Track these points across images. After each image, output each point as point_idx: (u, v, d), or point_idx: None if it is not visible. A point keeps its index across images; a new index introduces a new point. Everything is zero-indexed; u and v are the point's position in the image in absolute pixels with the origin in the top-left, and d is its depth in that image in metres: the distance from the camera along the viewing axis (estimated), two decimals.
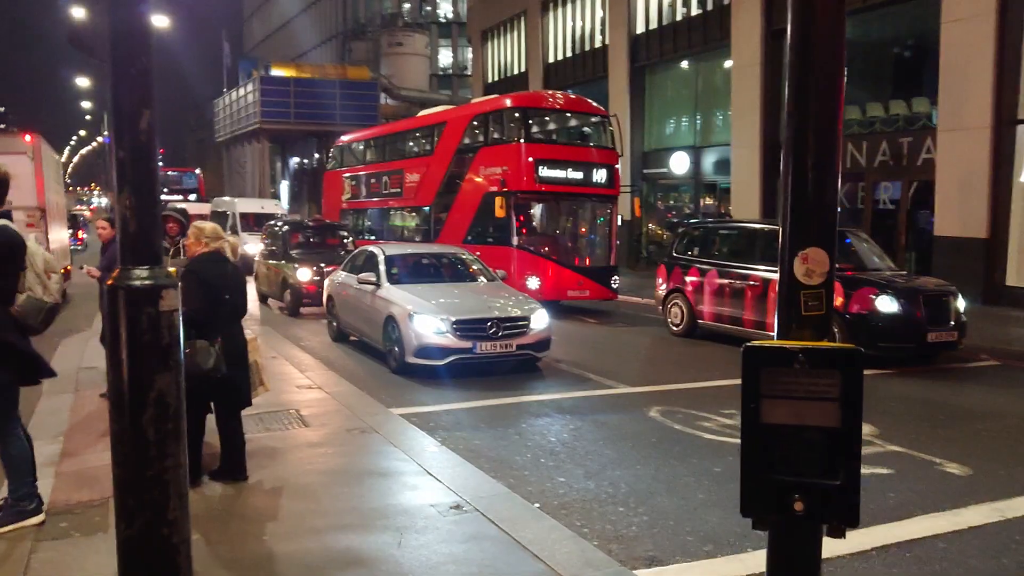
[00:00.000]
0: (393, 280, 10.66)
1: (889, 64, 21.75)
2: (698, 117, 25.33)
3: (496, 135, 16.88)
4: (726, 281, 12.08)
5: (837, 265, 8.86)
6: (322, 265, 15.18)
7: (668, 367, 10.63)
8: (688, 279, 12.81)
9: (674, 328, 13.06)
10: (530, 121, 16.42)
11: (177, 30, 49.14)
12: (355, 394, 8.11)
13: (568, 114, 17.68)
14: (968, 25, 15.71)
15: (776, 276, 9.10)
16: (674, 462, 6.23)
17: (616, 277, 16.56)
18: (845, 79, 2.40)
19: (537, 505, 5.16)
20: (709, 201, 25.18)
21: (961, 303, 10.57)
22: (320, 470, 5.66)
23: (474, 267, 11.62)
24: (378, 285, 10.60)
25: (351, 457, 5.99)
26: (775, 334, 2.49)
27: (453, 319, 9.33)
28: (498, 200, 15.65)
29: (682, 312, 12.93)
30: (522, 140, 15.91)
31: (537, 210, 16.60)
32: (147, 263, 3.05)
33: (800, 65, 2.42)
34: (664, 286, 13.45)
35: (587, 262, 16.73)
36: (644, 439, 6.84)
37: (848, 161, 19.07)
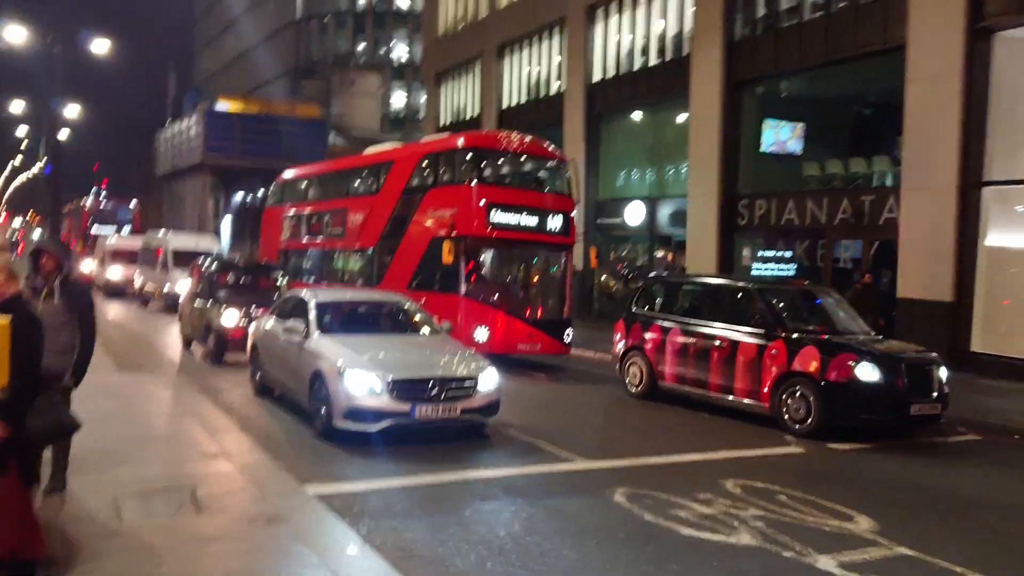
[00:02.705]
0: (324, 330, 9.45)
1: (851, 121, 21.59)
2: (655, 167, 24.79)
3: (446, 176, 15.87)
4: (690, 340, 11.05)
5: (810, 327, 7.76)
6: (252, 308, 13.85)
7: (630, 435, 9.59)
8: (648, 336, 11.74)
9: (632, 389, 11.93)
10: (483, 162, 15.47)
11: (124, 56, 47.64)
12: (268, 467, 6.85)
13: (523, 157, 16.78)
14: (934, 84, 15.37)
15: (747, 338, 8.43)
16: (649, 569, 5.13)
17: (570, 330, 15.56)
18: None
19: None
20: (660, 254, 24.55)
21: (944, 372, 9.79)
22: None
23: (417, 317, 10.48)
24: (306, 335, 9.37)
25: (247, 560, 4.76)
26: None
27: (390, 377, 8.16)
28: (446, 245, 14.58)
29: (641, 372, 11.80)
30: (474, 182, 14.92)
31: (488, 257, 15.54)
32: None
33: None
34: (622, 343, 12.32)
35: (539, 314, 15.70)
36: (610, 534, 5.74)
37: (808, 217, 18.55)
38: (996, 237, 15.09)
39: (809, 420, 9.29)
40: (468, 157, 15.38)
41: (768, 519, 6.10)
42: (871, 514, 6.31)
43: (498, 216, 14.78)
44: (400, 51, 62.46)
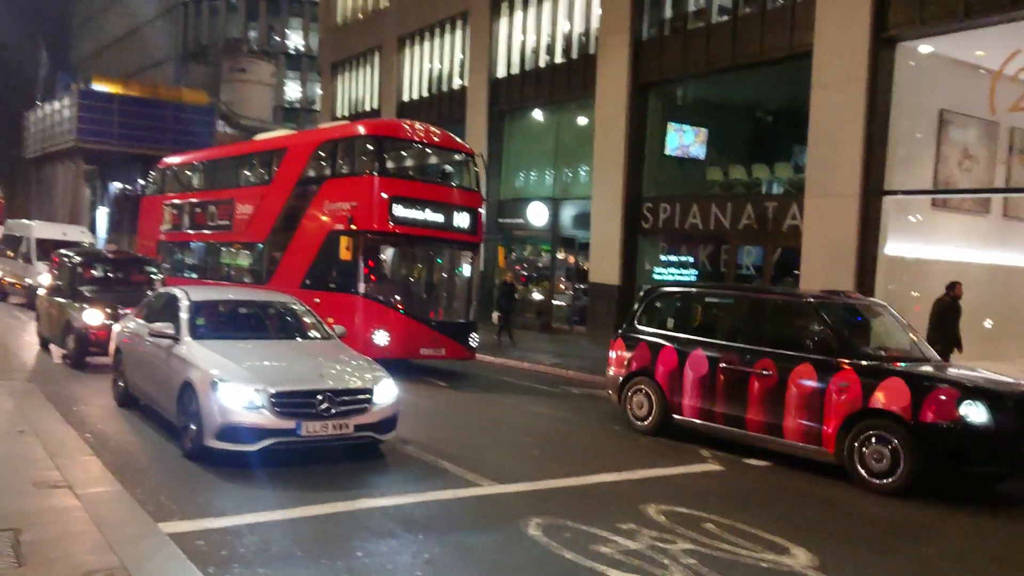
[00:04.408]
0: (197, 334, 8.30)
1: (754, 127, 21.69)
2: (559, 168, 24.31)
3: (346, 166, 14.73)
4: (720, 366, 8.95)
5: (882, 351, 6.22)
6: (118, 306, 12.41)
7: (539, 453, 8.83)
8: (660, 360, 9.62)
9: (637, 423, 9.86)
10: (385, 153, 14.41)
11: None
12: (120, 500, 5.74)
13: (429, 149, 15.79)
14: (838, 92, 15.36)
15: (804, 365, 6.60)
16: None
17: (475, 334, 14.72)
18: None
19: None
20: (561, 256, 24.12)
21: None
22: None
23: (306, 320, 9.42)
24: (176, 339, 8.21)
25: None
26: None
27: (272, 390, 7.14)
28: (344, 240, 13.45)
29: (650, 403, 9.69)
30: (375, 173, 13.86)
31: (389, 254, 14.59)
32: None
33: None
34: (623, 367, 10.14)
35: (444, 316, 14.82)
36: None
37: (712, 222, 18.40)
38: (894, 246, 15.23)
39: (896, 472, 7.41)
40: (369, 146, 14.34)
41: (700, 554, 5.47)
42: (806, 545, 5.77)
43: (401, 211, 13.79)
44: (295, 39, 60.22)
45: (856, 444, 7.70)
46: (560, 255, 24.21)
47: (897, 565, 5.68)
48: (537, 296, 24.43)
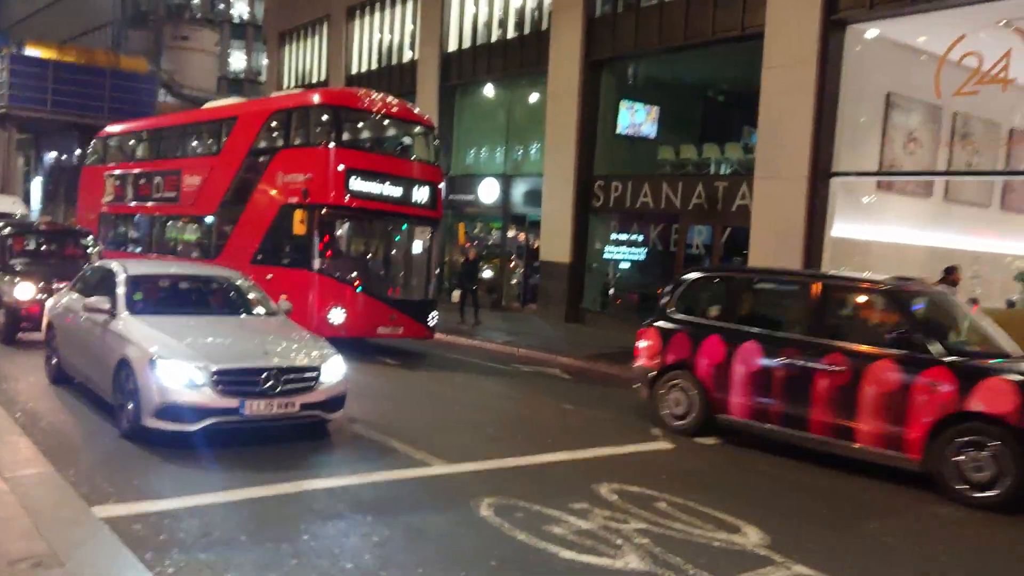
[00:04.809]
0: (135, 309, 7.96)
1: (705, 107, 21.75)
2: (510, 144, 24.09)
3: (300, 137, 14.11)
4: (776, 361, 8.01)
5: (968, 346, 5.41)
6: (52, 280, 11.91)
7: (491, 431, 8.73)
8: (702, 352, 8.67)
9: (673, 422, 8.86)
10: (342, 123, 13.86)
11: None
12: (50, 482, 5.48)
13: (388, 120, 15.27)
14: (789, 73, 15.44)
15: (884, 361, 5.51)
16: None
17: (435, 313, 14.36)
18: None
19: None
20: (512, 233, 23.99)
21: None
22: None
23: (251, 296, 9.12)
24: (113, 315, 7.86)
25: None
26: None
27: (214, 368, 6.88)
28: (298, 214, 12.92)
29: (689, 400, 8.74)
30: (332, 144, 13.32)
31: (345, 229, 14.04)
32: None
33: None
34: (654, 358, 9.18)
35: (402, 294, 14.45)
36: (479, 562, 4.85)
37: (663, 201, 18.45)
38: (841, 227, 15.45)
39: (998, 484, 6.56)
40: (325, 116, 13.78)
41: (653, 533, 5.44)
42: (758, 523, 5.78)
43: (358, 184, 13.31)
44: (240, 7, 58.53)
45: (949, 452, 6.83)
46: (511, 233, 24.07)
47: (845, 541, 5.73)
48: (488, 274, 24.27)
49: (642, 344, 9.41)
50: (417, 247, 14.92)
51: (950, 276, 12.45)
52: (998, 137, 17.55)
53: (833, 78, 15.10)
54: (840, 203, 15.48)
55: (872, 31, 15.39)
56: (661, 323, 9.29)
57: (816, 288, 8.26)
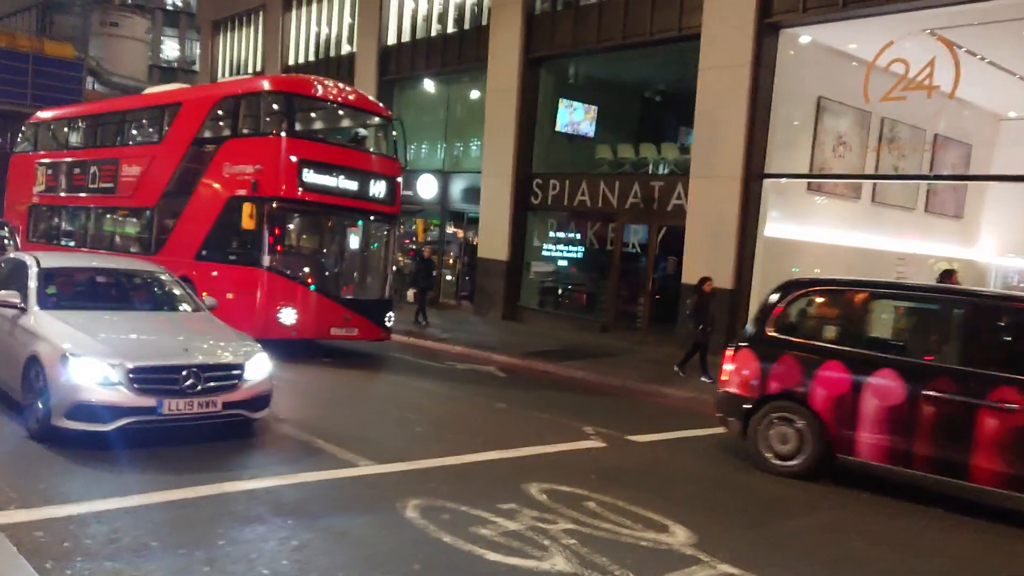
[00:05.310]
0: (47, 304, 7.59)
1: (642, 107, 21.90)
2: (449, 140, 23.92)
3: (249, 125, 13.35)
4: (928, 394, 6.74)
5: None
6: None
7: (420, 430, 8.59)
8: (819, 380, 7.33)
9: (778, 462, 7.51)
10: (295, 112, 13.17)
11: None
12: None
13: (343, 110, 14.69)
14: (725, 75, 15.65)
15: None
16: None
17: (391, 314, 13.79)
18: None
19: None
20: (450, 230, 23.85)
21: None
22: None
23: (174, 291, 8.80)
24: (23, 309, 7.49)
25: None
26: None
27: (130, 365, 6.59)
28: (247, 207, 12.26)
29: (800, 437, 7.41)
30: (283, 134, 12.63)
31: (297, 224, 13.47)
32: None
33: None
34: (751, 387, 7.76)
35: (358, 293, 13.90)
36: (402, 565, 4.72)
37: (600, 200, 18.52)
38: (773, 228, 15.73)
39: None
40: (276, 104, 13.12)
41: (580, 534, 5.38)
42: (685, 522, 5.79)
43: (312, 176, 12.63)
44: None
45: None
46: (449, 229, 23.89)
47: (769, 540, 5.77)
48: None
49: (730, 368, 7.99)
50: (374, 244, 14.40)
51: (947, 280, 11.85)
52: (923, 142, 18.15)
53: (767, 81, 15.35)
54: (772, 204, 15.76)
55: (805, 36, 15.72)
56: (760, 343, 7.85)
57: (971, 308, 7.16)
